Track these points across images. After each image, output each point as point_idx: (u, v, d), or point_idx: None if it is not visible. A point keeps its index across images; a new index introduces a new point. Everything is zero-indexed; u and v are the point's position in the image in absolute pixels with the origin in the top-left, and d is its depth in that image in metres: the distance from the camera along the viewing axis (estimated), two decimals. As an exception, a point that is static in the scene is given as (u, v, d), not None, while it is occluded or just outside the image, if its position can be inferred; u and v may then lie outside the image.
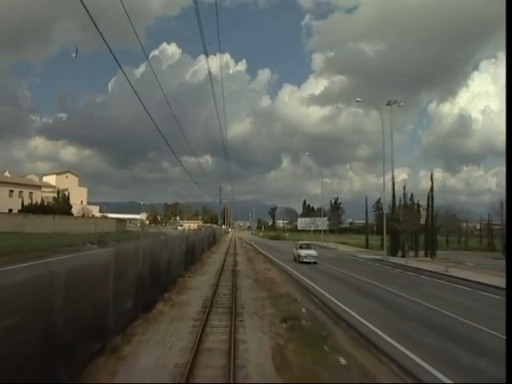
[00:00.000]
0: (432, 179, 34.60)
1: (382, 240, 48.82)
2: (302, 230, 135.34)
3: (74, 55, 10.99)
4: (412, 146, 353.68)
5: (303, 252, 26.70)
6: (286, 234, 64.13)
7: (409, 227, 31.14)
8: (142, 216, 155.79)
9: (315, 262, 25.67)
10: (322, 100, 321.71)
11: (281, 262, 25.97)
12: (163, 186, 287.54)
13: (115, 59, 7.96)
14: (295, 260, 27.19)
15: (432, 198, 34.05)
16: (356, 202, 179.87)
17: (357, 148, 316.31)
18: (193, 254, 22.11)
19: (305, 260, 25.81)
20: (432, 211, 33.82)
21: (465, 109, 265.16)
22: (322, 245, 50.56)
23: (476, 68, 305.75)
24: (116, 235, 49.46)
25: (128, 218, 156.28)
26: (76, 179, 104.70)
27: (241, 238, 67.85)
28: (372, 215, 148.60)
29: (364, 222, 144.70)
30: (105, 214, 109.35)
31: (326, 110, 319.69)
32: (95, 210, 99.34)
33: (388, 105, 49.42)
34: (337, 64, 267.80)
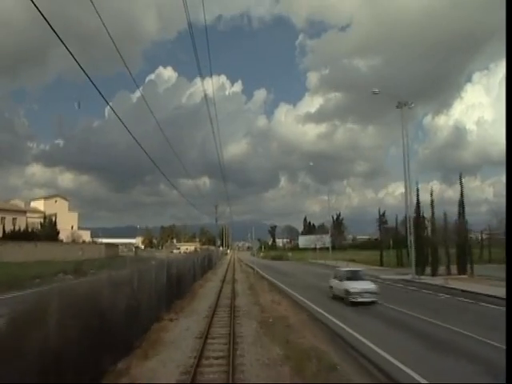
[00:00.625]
0: (461, 183, 29.80)
1: (398, 256, 44.02)
2: (304, 249, 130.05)
3: (77, 107, 8.80)
4: (409, 160, 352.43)
5: (355, 286, 16.16)
6: (289, 254, 59.01)
7: (446, 240, 26.38)
8: (138, 240, 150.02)
9: (374, 302, 15.89)
10: (317, 117, 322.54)
11: (291, 291, 20.87)
12: (161, 209, 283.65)
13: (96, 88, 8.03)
14: (334, 297, 17.71)
15: (463, 206, 29.29)
16: (355, 218, 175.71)
17: (354, 164, 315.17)
18: (178, 285, 17.18)
19: (359, 300, 15.69)
20: (464, 221, 29.02)
21: (459, 120, 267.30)
22: (328, 264, 45.61)
23: (469, 80, 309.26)
24: (101, 262, 44.46)
25: (122, 243, 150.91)
26: (66, 203, 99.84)
27: (240, 260, 62.60)
28: (375, 230, 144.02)
29: (366, 237, 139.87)
30: (96, 240, 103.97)
31: (322, 128, 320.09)
32: (86, 235, 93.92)
33: (398, 107, 45.76)
34: (332, 81, 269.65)
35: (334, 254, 74.39)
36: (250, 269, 38.53)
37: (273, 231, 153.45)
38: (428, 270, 28.42)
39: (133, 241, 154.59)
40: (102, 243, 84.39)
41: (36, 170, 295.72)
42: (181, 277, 17.95)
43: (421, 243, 28.31)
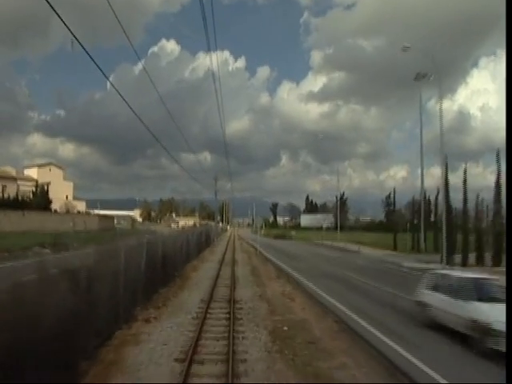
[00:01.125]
0: (498, 163, 25.66)
1: (415, 240, 40.30)
2: (305, 228, 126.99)
3: (71, 47, 7.77)
4: (410, 143, 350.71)
5: (496, 314, 7.25)
6: (293, 233, 55.53)
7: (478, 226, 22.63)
8: (136, 213, 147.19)
9: None
10: (320, 97, 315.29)
11: (304, 279, 17.02)
12: (162, 183, 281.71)
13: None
14: (432, 324, 9.24)
15: (499, 189, 25.29)
16: (355, 199, 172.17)
17: (356, 145, 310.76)
18: (164, 268, 13.57)
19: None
20: (499, 206, 25.07)
21: (464, 106, 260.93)
22: (337, 246, 42.23)
23: (475, 65, 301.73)
24: (90, 235, 41.10)
25: (120, 215, 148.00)
26: (61, 172, 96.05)
27: (241, 238, 59.39)
28: (376, 211, 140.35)
29: (367, 218, 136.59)
30: (92, 211, 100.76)
31: (325, 107, 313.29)
32: (81, 206, 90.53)
33: (416, 79, 41.04)
34: (336, 60, 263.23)
35: (337, 235, 70.82)
36: (251, 248, 35.16)
37: (274, 209, 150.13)
38: (456, 258, 24.78)
39: (131, 213, 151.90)
40: (96, 215, 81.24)
41: (37, 140, 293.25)
42: (168, 257, 14.34)
43: (450, 228, 24.54)
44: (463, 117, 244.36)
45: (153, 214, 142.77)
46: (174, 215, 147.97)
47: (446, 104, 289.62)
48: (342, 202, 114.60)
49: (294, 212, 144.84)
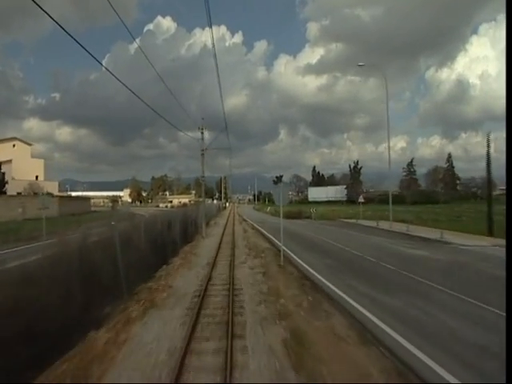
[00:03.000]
0: None
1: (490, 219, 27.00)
2: (314, 202, 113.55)
3: None
4: (410, 114, 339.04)
5: None
6: (313, 210, 41.61)
7: None
8: (126, 193, 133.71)
9: None
10: (318, 69, 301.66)
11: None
12: (161, 163, 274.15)
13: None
14: None
15: None
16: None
17: (354, 117, 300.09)
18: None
19: None
20: None
21: (463, 74, 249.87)
22: (398, 230, 28.63)
23: (475, 31, 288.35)
24: (30, 225, 27.99)
25: (108, 196, 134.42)
26: (28, 148, 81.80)
27: (243, 220, 46.15)
28: (386, 183, 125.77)
29: (386, 191, 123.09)
30: (67, 193, 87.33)
31: (323, 79, 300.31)
32: (53, 188, 76.59)
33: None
34: (333, 32, 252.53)
35: (355, 209, 57.71)
36: (263, 240, 21.72)
37: (278, 181, 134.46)
38: None
39: (121, 193, 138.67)
40: (66, 196, 67.85)
41: (33, 124, 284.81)
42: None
43: None
44: (462, 86, 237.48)
45: (143, 193, 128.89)
46: (167, 194, 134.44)
47: (445, 73, 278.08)
48: (356, 171, 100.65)
49: (300, 184, 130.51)
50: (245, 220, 41.74)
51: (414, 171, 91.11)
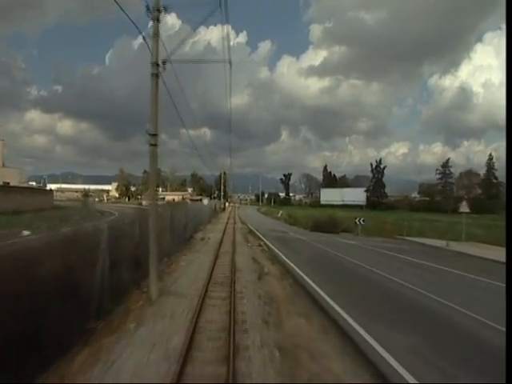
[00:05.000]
0: None
1: None
2: (327, 205, 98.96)
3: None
4: (412, 120, 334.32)
5: None
6: (360, 221, 26.52)
7: None
8: (113, 186, 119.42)
9: None
10: (321, 71, 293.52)
11: None
12: (161, 159, 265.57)
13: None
14: None
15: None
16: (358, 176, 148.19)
17: (356, 121, 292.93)
18: None
19: None
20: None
21: (466, 82, 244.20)
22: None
23: (480, 40, 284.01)
24: None
25: (95, 190, 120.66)
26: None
27: (247, 227, 31.95)
28: (411, 189, 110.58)
29: (405, 196, 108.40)
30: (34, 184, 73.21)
31: (325, 82, 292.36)
32: (13, 177, 62.10)
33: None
34: (336, 34, 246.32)
35: (380, 215, 43.95)
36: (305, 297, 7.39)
37: (287, 180, 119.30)
38: None
39: (109, 187, 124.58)
40: (18, 188, 53.64)
41: (35, 116, 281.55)
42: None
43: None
44: (465, 93, 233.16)
45: (132, 188, 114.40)
46: (160, 190, 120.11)
47: (449, 80, 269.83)
48: (379, 171, 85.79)
49: (311, 184, 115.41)
50: (251, 232, 27.35)
51: (450, 174, 76.44)
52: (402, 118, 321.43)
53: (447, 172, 76.84)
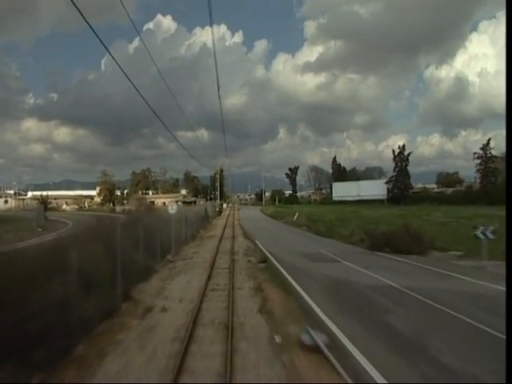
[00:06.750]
0: None
1: None
2: (339, 201, 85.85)
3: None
4: (409, 112, 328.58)
5: None
6: (484, 234, 13.95)
7: None
8: (97, 191, 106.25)
9: None
10: (317, 67, 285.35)
11: None
12: (159, 163, 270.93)
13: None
14: None
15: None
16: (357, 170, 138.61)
17: (354, 115, 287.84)
18: None
19: None
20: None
21: (462, 72, 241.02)
22: None
23: (475, 29, 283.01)
24: None
25: (78, 195, 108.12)
26: None
27: (253, 249, 18.98)
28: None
29: (423, 187, 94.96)
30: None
31: (322, 77, 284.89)
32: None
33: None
34: (331, 29, 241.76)
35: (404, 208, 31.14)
36: None
37: (293, 174, 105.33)
38: None
39: (93, 193, 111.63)
40: None
41: (31, 125, 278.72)
42: None
43: None
44: (462, 83, 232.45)
45: (118, 192, 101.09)
46: (150, 193, 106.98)
47: (445, 70, 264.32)
48: (403, 158, 72.23)
49: (321, 178, 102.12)
50: (268, 265, 14.21)
51: (492, 158, 63.17)
52: (399, 110, 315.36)
53: (488, 155, 63.60)
